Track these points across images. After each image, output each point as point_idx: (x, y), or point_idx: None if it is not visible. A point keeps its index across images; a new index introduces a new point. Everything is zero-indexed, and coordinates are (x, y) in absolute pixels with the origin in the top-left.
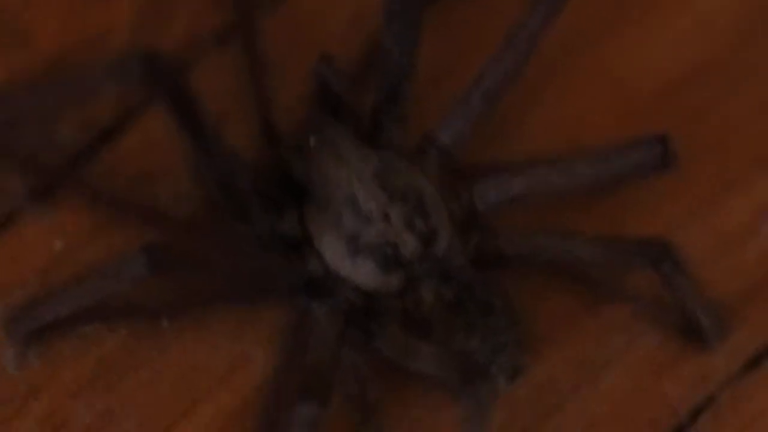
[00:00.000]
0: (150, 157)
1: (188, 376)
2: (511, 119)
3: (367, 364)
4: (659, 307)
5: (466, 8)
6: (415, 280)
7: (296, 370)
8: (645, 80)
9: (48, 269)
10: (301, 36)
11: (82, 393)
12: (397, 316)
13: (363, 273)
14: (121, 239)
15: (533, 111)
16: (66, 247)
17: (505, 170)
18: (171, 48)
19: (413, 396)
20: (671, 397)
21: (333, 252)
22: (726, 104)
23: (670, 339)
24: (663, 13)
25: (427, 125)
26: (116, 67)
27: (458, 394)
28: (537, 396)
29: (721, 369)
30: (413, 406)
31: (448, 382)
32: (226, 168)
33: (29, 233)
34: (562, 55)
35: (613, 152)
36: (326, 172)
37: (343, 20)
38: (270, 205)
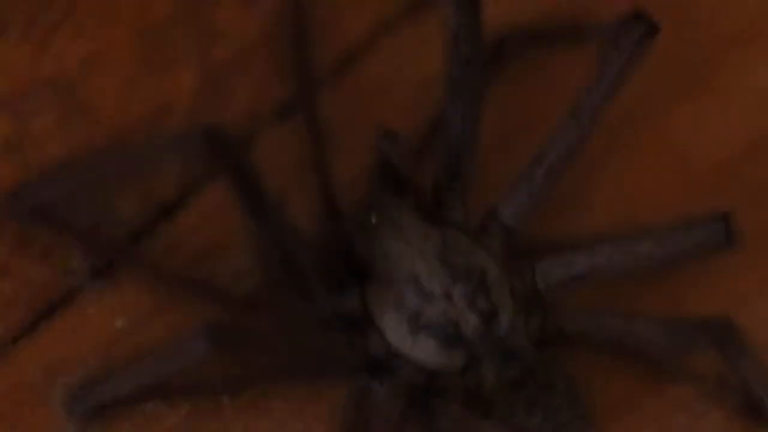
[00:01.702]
0: (210, 233)
1: None
2: (573, 194)
3: None
4: (722, 388)
5: (528, 80)
6: (476, 359)
7: None
8: (707, 155)
9: (109, 347)
10: (363, 109)
11: None
12: (459, 394)
13: (424, 351)
14: (181, 317)
15: (594, 186)
16: (127, 325)
17: (567, 248)
18: (232, 122)
19: None
20: None
21: (394, 330)
22: None
23: (733, 420)
24: (724, 88)
25: (490, 199)
26: (179, 142)
27: None
28: None
29: None
30: None
31: None
32: (287, 245)
33: (90, 311)
34: (624, 129)
35: (677, 231)
36: (388, 249)
37: (405, 93)
38: (331, 283)
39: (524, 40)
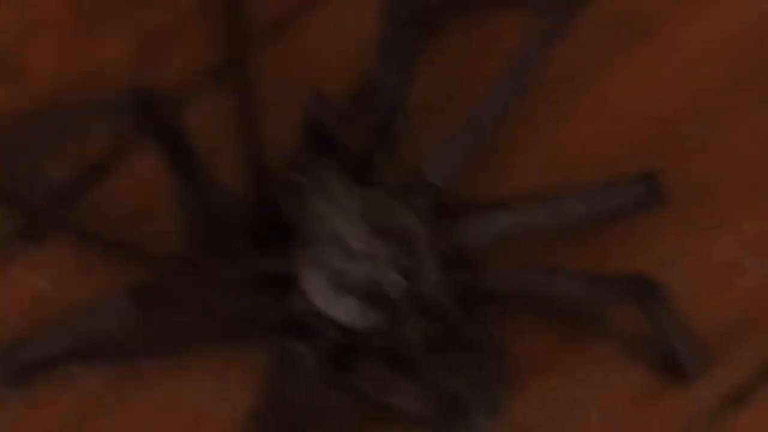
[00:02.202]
0: (139, 195)
1: (169, 415)
2: (502, 153)
3: (348, 402)
4: (641, 343)
5: (460, 44)
6: (399, 319)
7: (277, 408)
8: (641, 114)
9: (33, 309)
10: (293, 73)
11: None
12: (380, 353)
13: (346, 311)
14: (107, 279)
15: (527, 145)
16: (52, 287)
17: (493, 207)
18: (165, 86)
19: None
20: None
21: (317, 290)
22: (717, 142)
23: (651, 374)
24: (657, 50)
25: (417, 159)
26: (109, 105)
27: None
28: None
29: (702, 405)
30: None
31: (430, 420)
32: (215, 206)
33: (15, 272)
34: (558, 89)
35: (602, 190)
36: (314, 209)
37: (335, 57)
38: (257, 244)
39: (458, 3)
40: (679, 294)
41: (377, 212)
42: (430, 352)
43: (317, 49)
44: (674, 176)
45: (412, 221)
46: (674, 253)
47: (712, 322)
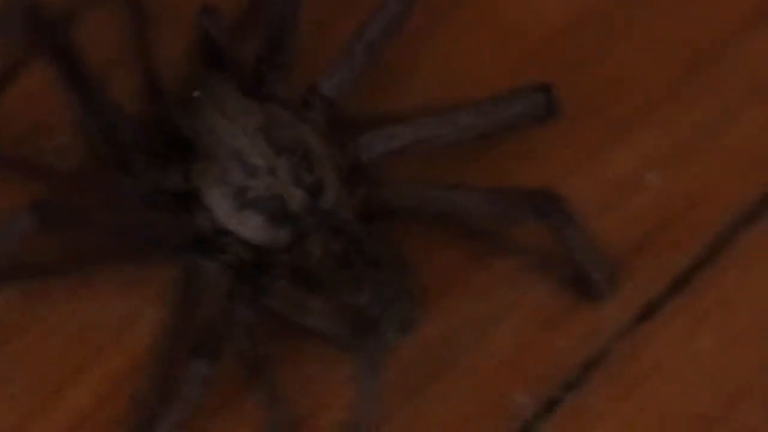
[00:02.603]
0: (33, 110)
1: (77, 336)
2: (397, 69)
3: (258, 321)
4: (549, 260)
5: None
6: (303, 235)
7: (187, 327)
8: (529, 28)
9: None
10: None
11: None
12: (286, 271)
13: (251, 227)
14: (6, 197)
15: (417, 60)
16: None
17: (390, 121)
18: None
19: (305, 352)
20: (562, 351)
21: (220, 206)
22: (611, 53)
23: (560, 292)
24: None
25: (311, 76)
26: None
27: (349, 349)
28: (427, 353)
29: (613, 322)
30: (305, 363)
31: (339, 338)
32: (109, 121)
33: None
34: (445, 2)
35: (497, 102)
36: (211, 125)
37: None
38: (155, 160)
39: None
40: (579, 210)
41: (274, 127)
42: (336, 268)
43: None
44: (568, 89)
45: (309, 135)
46: (571, 168)
47: (616, 237)
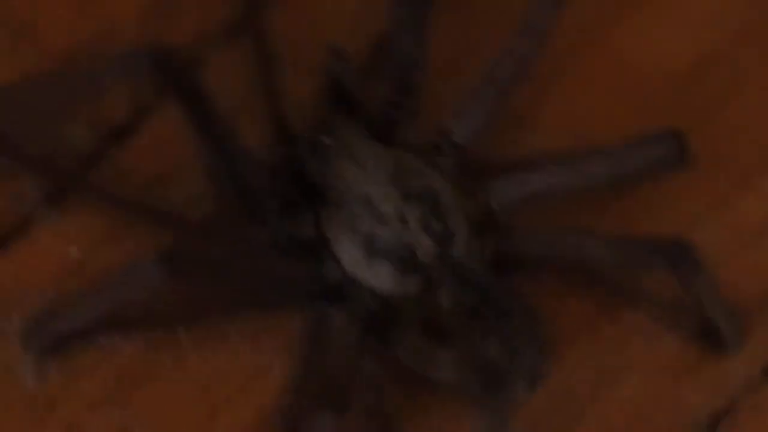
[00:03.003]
0: (162, 157)
1: (206, 386)
2: (524, 113)
3: (386, 372)
4: (678, 310)
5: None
6: (432, 284)
7: (314, 378)
8: (658, 70)
9: (64, 277)
10: (311, 29)
11: (100, 405)
12: (415, 322)
13: (379, 276)
14: (136, 244)
15: (546, 104)
16: (81, 254)
17: (520, 168)
18: (181, 43)
19: (432, 405)
20: (690, 403)
21: (349, 255)
22: (737, 97)
23: (689, 343)
24: (673, 1)
25: (439, 118)
26: (125, 62)
27: (478, 402)
28: (556, 405)
29: (740, 374)
30: (432, 416)
31: (467, 390)
32: (239, 168)
33: (44, 240)
34: (574, 45)
35: (628, 149)
36: (341, 172)
37: (352, 12)
38: (285, 207)
39: None
40: (708, 259)
41: (405, 173)
42: (465, 319)
43: (333, 3)
44: (694, 134)
45: (439, 182)
46: (699, 216)
47: (745, 287)
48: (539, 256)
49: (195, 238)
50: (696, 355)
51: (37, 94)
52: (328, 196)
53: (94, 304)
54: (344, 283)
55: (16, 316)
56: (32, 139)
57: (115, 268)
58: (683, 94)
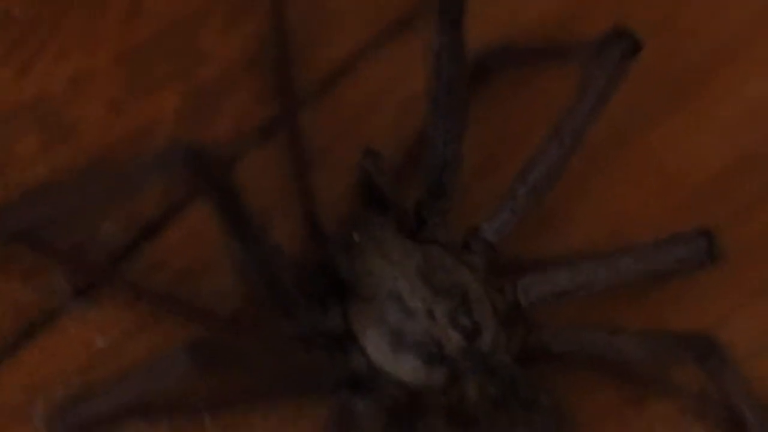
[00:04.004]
0: (192, 252)
1: None
2: (556, 212)
3: None
4: (705, 402)
5: (511, 99)
6: (459, 376)
7: None
8: (692, 172)
9: (90, 367)
10: (345, 129)
11: None
12: (441, 412)
13: (407, 369)
14: (163, 337)
15: (579, 203)
16: (108, 345)
17: (549, 265)
18: (215, 142)
19: None
20: None
21: (376, 348)
22: None
23: None
24: (708, 104)
25: (472, 218)
26: (160, 161)
27: None
28: None
29: None
30: None
31: None
32: (270, 264)
33: (71, 330)
34: (608, 146)
35: (658, 248)
36: (371, 267)
37: (387, 113)
38: (314, 302)
39: (506, 59)
40: (737, 354)
41: (433, 269)
42: (491, 409)
43: (368, 105)
44: (729, 233)
45: (468, 278)
46: (732, 312)
47: None
48: (566, 351)
49: (223, 332)
50: None
51: (70, 192)
52: (356, 291)
53: (121, 392)
54: (370, 374)
55: (41, 402)
56: (65, 235)
57: (142, 359)
58: (717, 196)
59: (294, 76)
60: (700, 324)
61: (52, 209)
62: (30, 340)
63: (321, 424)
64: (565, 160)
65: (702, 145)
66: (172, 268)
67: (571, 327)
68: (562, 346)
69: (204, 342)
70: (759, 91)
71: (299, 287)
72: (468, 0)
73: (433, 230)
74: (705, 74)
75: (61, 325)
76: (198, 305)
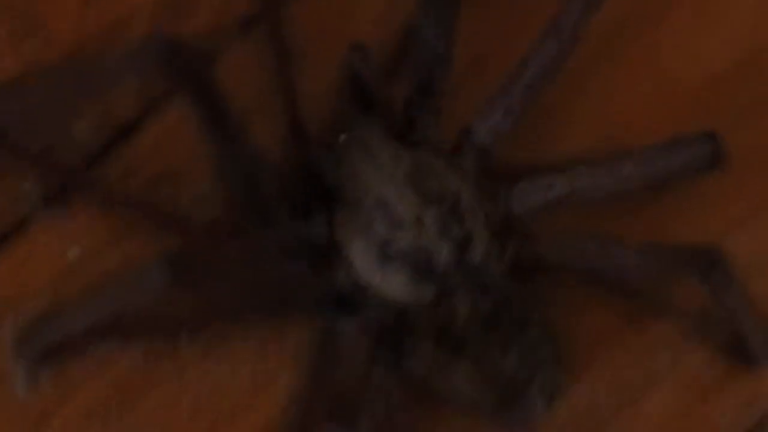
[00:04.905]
0: (169, 155)
1: (208, 398)
2: (551, 114)
3: (398, 385)
4: (706, 323)
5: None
6: (449, 292)
7: (323, 390)
8: (693, 73)
9: (61, 279)
10: (330, 24)
11: (96, 418)
12: (430, 331)
13: (393, 283)
14: (138, 247)
15: (575, 105)
16: (80, 255)
17: (545, 170)
18: (194, 36)
19: (446, 419)
20: (718, 421)
21: (363, 260)
22: None
23: (717, 358)
24: (708, 4)
25: (463, 118)
26: (135, 56)
27: (494, 417)
28: (576, 421)
29: None
30: (445, 430)
31: (482, 405)
32: (251, 167)
33: (42, 240)
34: (606, 45)
35: (661, 151)
36: (356, 172)
37: (375, 7)
38: (297, 209)
39: None
40: (740, 269)
41: (423, 175)
42: (482, 328)
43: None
44: (731, 138)
45: (460, 184)
46: (733, 224)
47: None
48: (562, 263)
49: (201, 242)
50: (725, 371)
51: (42, 87)
52: (342, 197)
53: (92, 309)
54: (356, 291)
55: (10, 321)
56: (35, 135)
57: (117, 271)
58: (720, 97)
59: None
60: (704, 234)
61: (20, 106)
62: None
63: (304, 344)
64: (562, 56)
65: (704, 44)
66: (148, 173)
67: (566, 236)
68: (558, 255)
69: (180, 254)
70: None
71: (281, 192)
72: None
73: (422, 131)
74: None
75: (29, 235)
76: (175, 212)
